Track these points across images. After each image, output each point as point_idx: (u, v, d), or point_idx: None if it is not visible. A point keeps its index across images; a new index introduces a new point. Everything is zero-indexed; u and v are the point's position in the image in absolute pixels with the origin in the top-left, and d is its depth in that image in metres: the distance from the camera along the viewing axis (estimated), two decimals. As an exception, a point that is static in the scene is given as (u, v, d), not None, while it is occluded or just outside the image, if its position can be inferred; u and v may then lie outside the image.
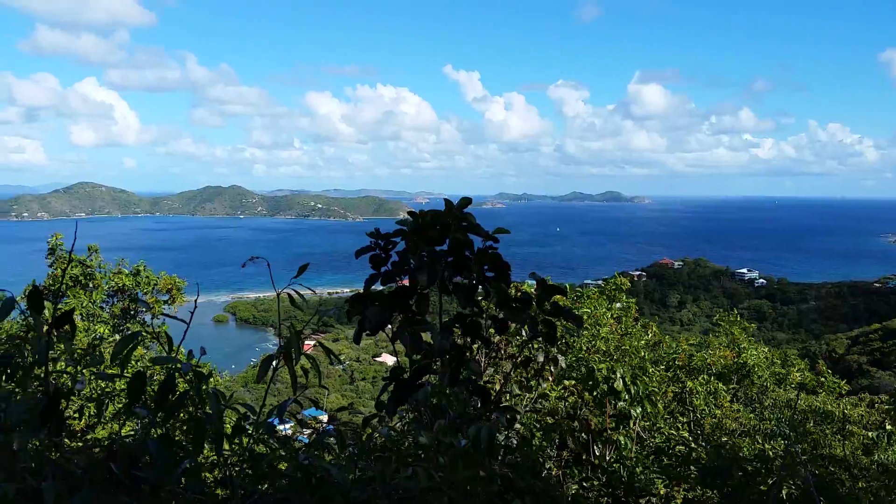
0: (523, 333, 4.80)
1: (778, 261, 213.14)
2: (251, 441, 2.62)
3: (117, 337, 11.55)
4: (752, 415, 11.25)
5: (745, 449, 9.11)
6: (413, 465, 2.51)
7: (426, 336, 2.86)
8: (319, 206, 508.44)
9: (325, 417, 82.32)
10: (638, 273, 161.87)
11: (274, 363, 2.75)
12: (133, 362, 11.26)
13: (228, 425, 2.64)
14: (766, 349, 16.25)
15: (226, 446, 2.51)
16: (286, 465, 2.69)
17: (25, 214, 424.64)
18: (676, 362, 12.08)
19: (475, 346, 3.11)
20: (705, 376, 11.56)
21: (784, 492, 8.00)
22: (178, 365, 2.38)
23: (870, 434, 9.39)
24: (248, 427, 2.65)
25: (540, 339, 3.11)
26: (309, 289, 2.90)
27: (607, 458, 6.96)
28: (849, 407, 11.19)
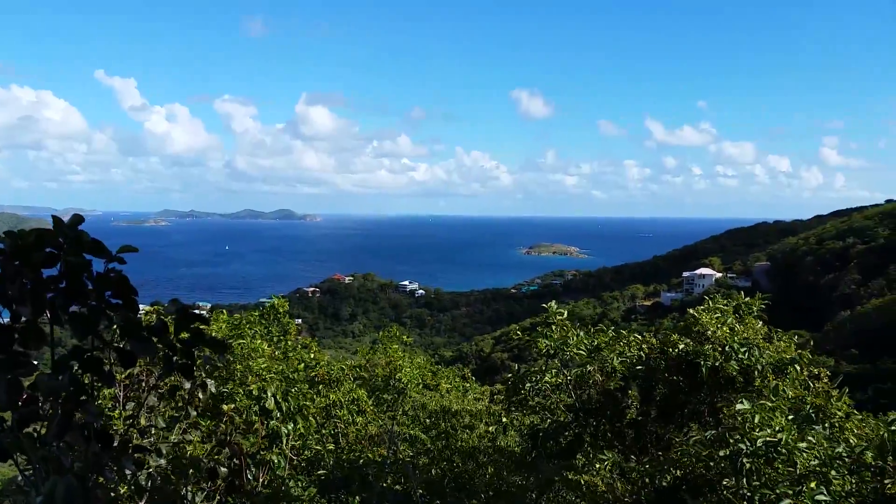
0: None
1: (435, 272, 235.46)
2: None
3: None
4: (391, 420, 12.19)
5: (368, 454, 9.80)
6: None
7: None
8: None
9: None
10: (312, 289, 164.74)
11: None
12: None
13: None
14: (422, 359, 17.83)
15: None
16: None
17: None
18: (315, 378, 12.40)
19: (99, 384, 2.75)
20: (348, 384, 12.09)
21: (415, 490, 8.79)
22: None
23: (490, 429, 10.98)
24: None
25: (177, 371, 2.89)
26: None
27: (260, 481, 6.86)
28: (472, 403, 12.84)
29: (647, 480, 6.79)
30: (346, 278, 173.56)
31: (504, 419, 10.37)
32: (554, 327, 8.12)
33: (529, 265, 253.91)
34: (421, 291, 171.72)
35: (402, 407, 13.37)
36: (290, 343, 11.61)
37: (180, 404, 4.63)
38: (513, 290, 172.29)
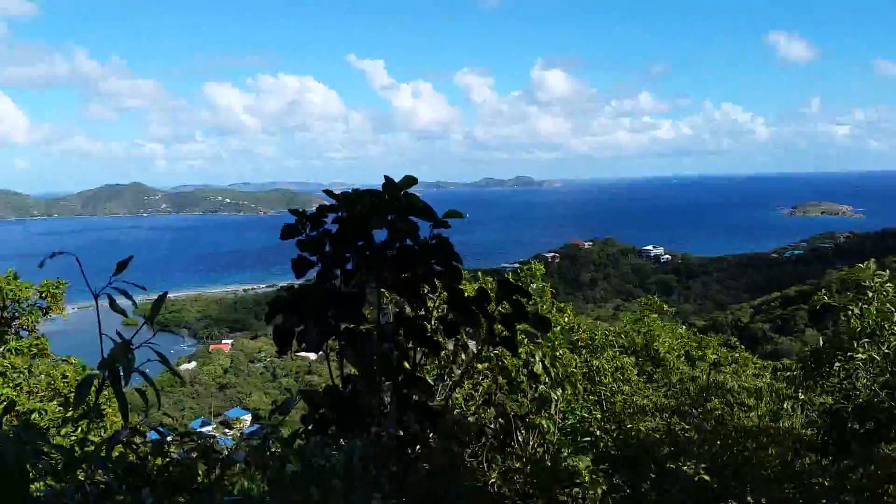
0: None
1: (681, 237, 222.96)
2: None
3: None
4: (660, 392, 11.36)
5: (643, 428, 9.10)
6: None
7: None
8: (227, 200, 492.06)
9: (248, 417, 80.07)
10: (552, 255, 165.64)
11: (96, 384, 2.09)
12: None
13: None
14: (682, 330, 16.64)
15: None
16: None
17: None
18: (578, 342, 12.04)
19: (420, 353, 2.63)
20: (610, 352, 11.56)
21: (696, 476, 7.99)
22: None
23: (774, 408, 9.67)
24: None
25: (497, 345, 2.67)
26: (140, 287, 2.32)
27: (531, 444, 6.72)
28: (750, 379, 11.50)
29: None
30: (586, 243, 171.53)
31: (801, 396, 9.13)
32: (871, 294, 6.70)
33: (791, 227, 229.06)
34: (666, 257, 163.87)
35: (667, 378, 12.58)
36: (545, 307, 11.43)
37: (443, 363, 4.59)
38: (773, 255, 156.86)
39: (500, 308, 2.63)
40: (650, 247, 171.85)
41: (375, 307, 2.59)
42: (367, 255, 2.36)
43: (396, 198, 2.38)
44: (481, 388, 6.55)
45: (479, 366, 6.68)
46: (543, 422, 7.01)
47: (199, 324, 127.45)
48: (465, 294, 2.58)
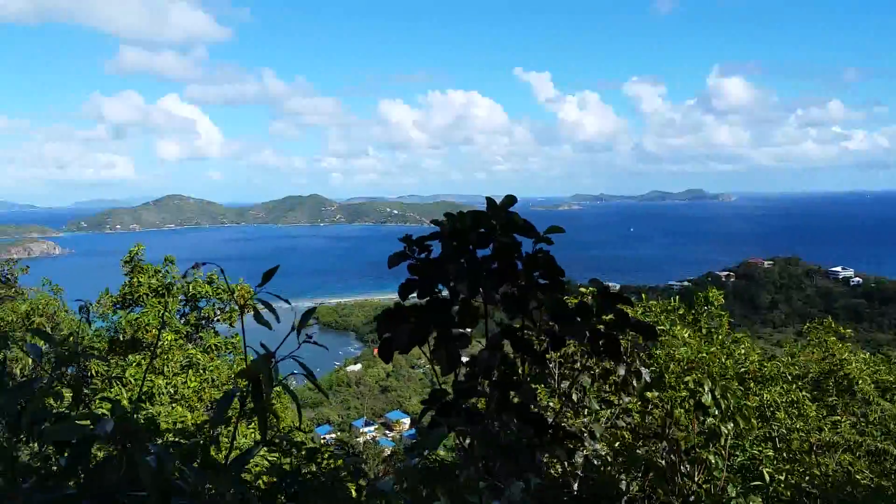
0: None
1: (876, 258, 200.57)
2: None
3: (190, 345, 11.78)
4: (853, 429, 10.26)
5: (826, 468, 8.24)
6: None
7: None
8: (395, 212, 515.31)
9: (408, 420, 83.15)
10: (725, 273, 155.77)
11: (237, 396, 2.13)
12: (205, 372, 11.45)
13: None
14: (866, 355, 14.98)
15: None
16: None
17: (119, 227, 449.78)
18: (746, 374, 11.22)
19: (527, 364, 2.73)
20: (784, 385, 10.67)
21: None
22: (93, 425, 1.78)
23: None
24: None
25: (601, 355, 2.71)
26: (284, 299, 2.43)
27: (696, 479, 6.41)
28: None
29: None
30: (766, 262, 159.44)
31: None
32: None
33: None
34: (857, 279, 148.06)
35: (855, 410, 11.41)
36: (721, 338, 10.84)
37: (612, 388, 4.57)
38: None
39: (603, 318, 2.68)
40: (839, 268, 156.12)
41: (483, 318, 2.74)
42: (470, 270, 2.51)
43: (498, 215, 2.52)
44: (653, 416, 6.37)
45: (650, 394, 6.53)
46: (710, 457, 6.69)
47: (365, 328, 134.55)
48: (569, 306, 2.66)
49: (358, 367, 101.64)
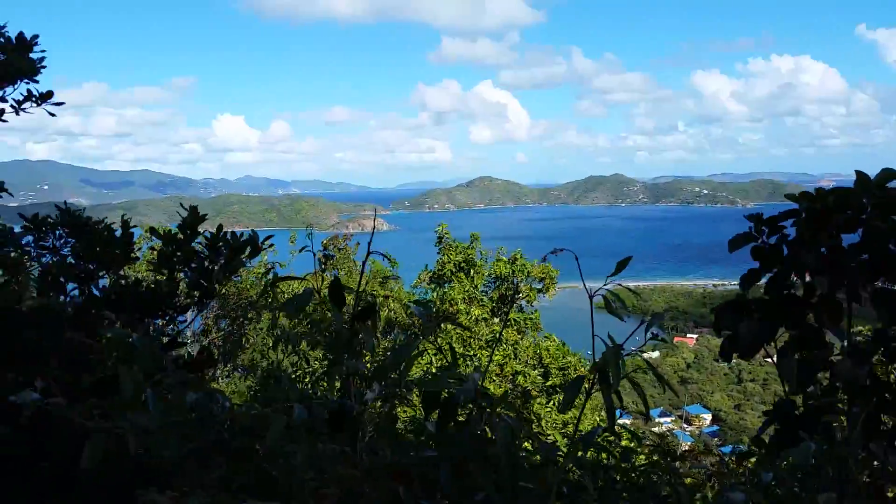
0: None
1: None
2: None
3: (496, 320, 12.35)
4: None
5: None
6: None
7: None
8: (704, 191, 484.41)
9: (708, 416, 78.25)
10: None
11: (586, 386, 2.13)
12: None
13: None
14: None
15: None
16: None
17: (436, 206, 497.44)
18: None
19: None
20: None
21: None
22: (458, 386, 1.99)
23: None
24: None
25: None
26: (627, 286, 2.30)
27: None
28: None
29: None
30: None
31: None
32: None
33: None
34: None
35: None
36: None
37: None
38: None
39: None
40: None
41: (845, 321, 2.25)
42: (832, 261, 2.06)
43: (872, 194, 2.02)
44: None
45: None
46: None
47: (665, 314, 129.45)
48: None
49: (655, 354, 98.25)
